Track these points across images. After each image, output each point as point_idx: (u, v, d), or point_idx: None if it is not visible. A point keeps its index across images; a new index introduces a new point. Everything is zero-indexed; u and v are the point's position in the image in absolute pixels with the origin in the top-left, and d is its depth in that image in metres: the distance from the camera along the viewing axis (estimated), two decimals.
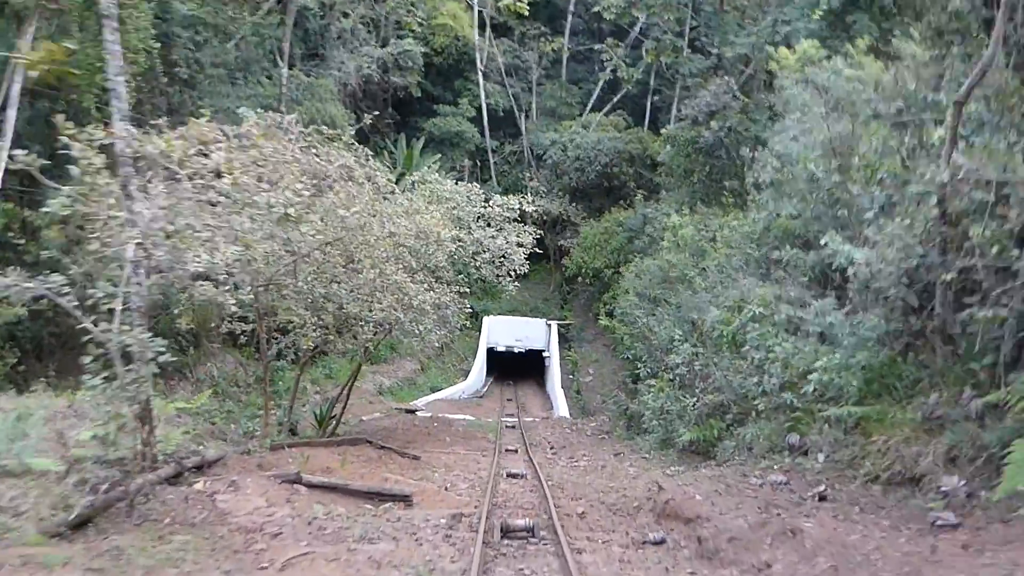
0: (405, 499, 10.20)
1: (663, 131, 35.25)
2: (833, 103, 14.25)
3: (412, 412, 26.93)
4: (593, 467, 15.31)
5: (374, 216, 13.78)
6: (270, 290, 13.91)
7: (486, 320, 37.92)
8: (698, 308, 17.04)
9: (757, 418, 12.64)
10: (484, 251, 17.93)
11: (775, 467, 10.99)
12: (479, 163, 45.96)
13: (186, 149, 10.40)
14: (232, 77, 28.59)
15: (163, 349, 8.76)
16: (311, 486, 10.05)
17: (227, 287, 11.02)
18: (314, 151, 13.52)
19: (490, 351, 37.24)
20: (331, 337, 16.44)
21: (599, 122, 44.24)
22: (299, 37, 35.58)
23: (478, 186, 20.02)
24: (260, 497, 9.08)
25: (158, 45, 20.36)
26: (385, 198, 15.34)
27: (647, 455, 16.64)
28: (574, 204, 41.26)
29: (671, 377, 15.54)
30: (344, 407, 19.94)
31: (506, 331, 37.91)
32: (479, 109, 44.87)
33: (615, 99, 46.54)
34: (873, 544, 7.06)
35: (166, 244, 9.55)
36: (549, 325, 38.08)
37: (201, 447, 12.02)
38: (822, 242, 13.11)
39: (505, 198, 18.97)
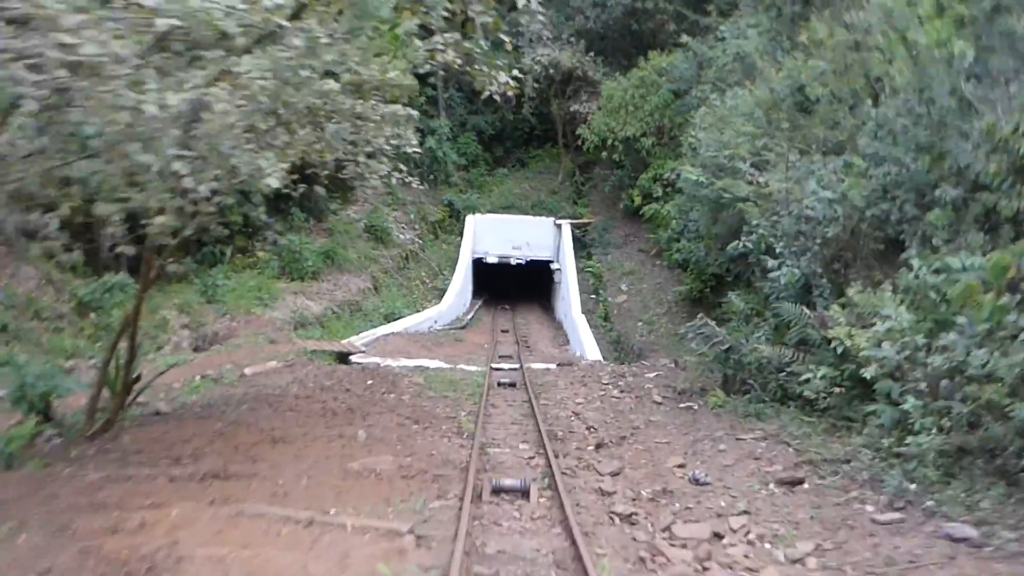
0: None
1: None
2: None
3: (346, 357, 16.15)
4: None
5: None
6: None
7: (471, 220, 28.68)
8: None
9: None
10: None
11: None
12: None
13: None
14: None
15: None
16: None
17: None
18: None
19: (477, 263, 28.54)
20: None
21: None
22: None
23: None
24: None
25: None
26: None
27: (904, 497, 5.69)
28: (590, 56, 29.67)
29: None
30: (132, 358, 9.04)
31: (499, 235, 28.89)
32: None
33: None
34: None
35: None
36: (559, 225, 28.95)
37: None
38: None
39: None
